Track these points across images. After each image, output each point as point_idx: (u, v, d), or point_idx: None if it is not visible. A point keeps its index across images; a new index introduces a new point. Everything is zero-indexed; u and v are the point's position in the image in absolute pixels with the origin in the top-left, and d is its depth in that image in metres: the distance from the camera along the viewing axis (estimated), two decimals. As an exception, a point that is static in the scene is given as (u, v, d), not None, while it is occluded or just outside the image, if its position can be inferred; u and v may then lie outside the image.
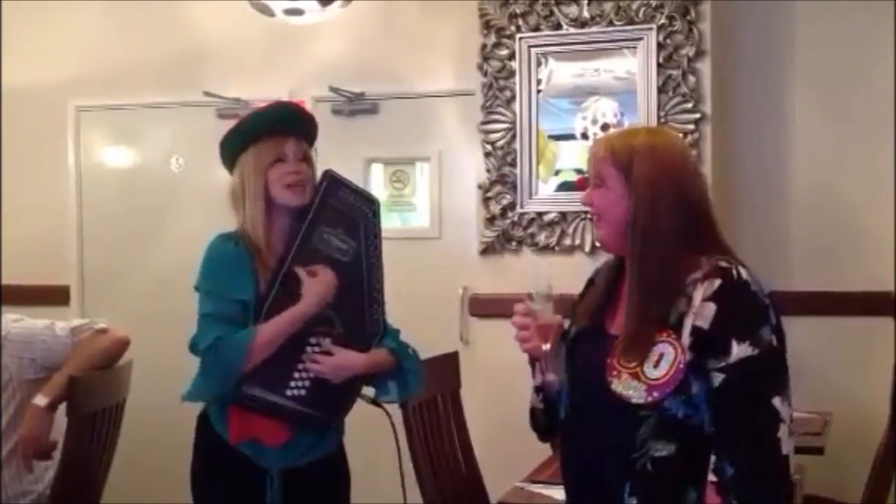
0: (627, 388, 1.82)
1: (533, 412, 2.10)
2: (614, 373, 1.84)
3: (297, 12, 3.82)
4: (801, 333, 3.63)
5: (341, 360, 2.39)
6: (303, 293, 2.35)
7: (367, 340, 2.44)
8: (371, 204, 2.50)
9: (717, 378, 1.77)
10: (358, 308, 2.44)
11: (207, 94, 4.42)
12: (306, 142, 2.48)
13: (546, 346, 1.96)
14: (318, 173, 2.49)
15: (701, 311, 1.79)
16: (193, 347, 2.38)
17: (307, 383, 2.37)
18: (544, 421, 2.08)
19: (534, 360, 2.04)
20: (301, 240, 2.39)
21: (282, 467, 2.39)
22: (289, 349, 2.36)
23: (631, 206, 1.85)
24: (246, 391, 2.34)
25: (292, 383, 2.36)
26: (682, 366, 1.79)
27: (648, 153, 1.87)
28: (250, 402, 2.35)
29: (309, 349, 2.38)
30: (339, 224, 2.43)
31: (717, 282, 1.80)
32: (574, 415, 1.96)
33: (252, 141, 2.42)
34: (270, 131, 2.42)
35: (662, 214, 1.84)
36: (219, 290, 2.36)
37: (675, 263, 1.83)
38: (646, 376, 1.81)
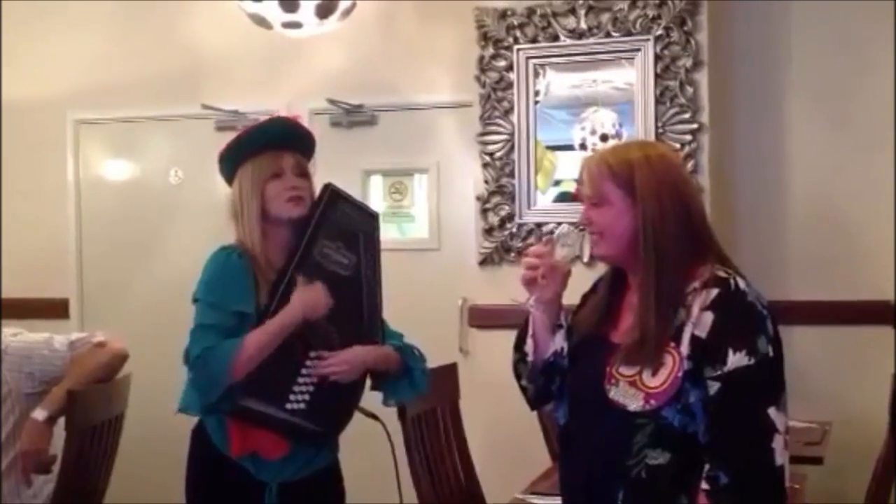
0: (625, 395, 1.83)
1: (517, 366, 2.09)
2: (612, 381, 1.86)
3: (296, 25, 3.83)
4: (799, 343, 3.64)
5: (348, 354, 2.38)
6: (291, 300, 2.34)
7: None
8: (371, 218, 2.51)
9: (713, 387, 1.78)
10: (357, 322, 2.44)
11: (206, 106, 4.43)
12: (304, 156, 2.49)
13: (542, 280, 1.96)
14: (316, 186, 2.50)
15: (699, 320, 1.80)
16: (186, 358, 2.37)
17: (307, 397, 2.37)
18: (531, 389, 2.07)
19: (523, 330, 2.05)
20: (302, 253, 2.39)
21: (279, 481, 2.39)
22: (288, 363, 2.36)
23: (638, 220, 1.86)
24: (245, 404, 2.33)
25: (292, 397, 2.36)
26: (679, 375, 1.80)
27: (647, 165, 1.88)
28: (249, 416, 2.34)
29: (309, 362, 2.38)
30: (339, 238, 2.44)
31: (715, 291, 1.81)
32: (572, 421, 1.97)
33: (250, 155, 2.43)
34: (268, 146, 2.43)
35: (669, 224, 1.85)
36: (218, 301, 2.35)
37: (683, 272, 1.84)
38: (644, 384, 1.82)
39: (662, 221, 1.85)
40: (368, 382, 2.51)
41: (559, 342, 2.00)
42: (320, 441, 2.43)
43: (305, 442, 2.40)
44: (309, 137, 2.54)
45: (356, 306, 2.45)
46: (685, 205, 1.88)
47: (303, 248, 2.39)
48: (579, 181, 1.97)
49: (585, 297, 2.08)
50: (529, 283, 1.98)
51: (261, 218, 2.40)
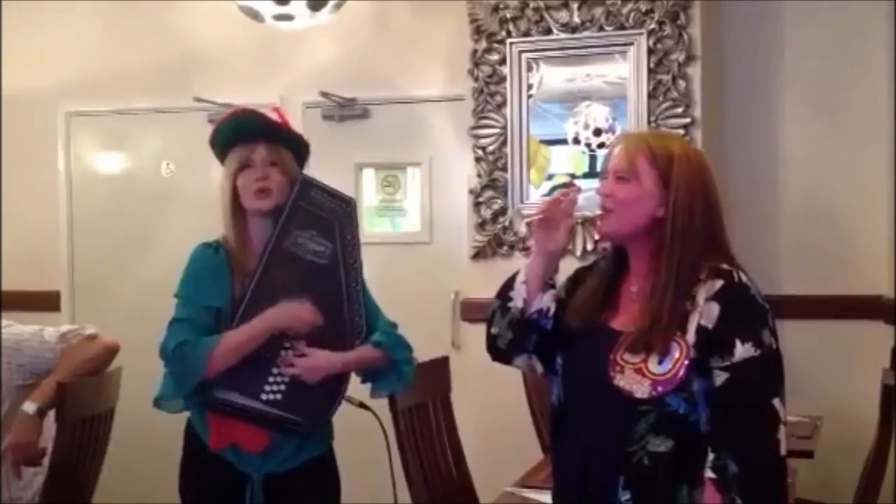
0: (631, 382, 1.85)
1: (494, 313, 2.05)
2: (617, 368, 1.87)
3: (288, 18, 3.81)
4: (790, 337, 3.63)
5: (314, 361, 2.37)
6: (276, 307, 2.35)
7: (348, 341, 2.42)
8: (346, 204, 2.47)
9: (721, 377, 1.81)
10: (337, 310, 2.42)
11: (198, 99, 4.42)
12: (288, 147, 2.47)
13: (560, 216, 1.96)
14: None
15: (705, 310, 1.83)
16: (162, 352, 2.38)
17: (283, 387, 2.37)
18: (507, 336, 2.02)
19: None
20: (274, 244, 2.40)
21: (264, 472, 2.38)
22: (263, 353, 2.36)
23: (668, 207, 1.90)
24: (221, 396, 2.34)
25: (267, 387, 2.36)
26: (686, 363, 1.82)
27: (686, 160, 1.94)
28: (226, 408, 2.35)
29: (283, 353, 2.37)
30: (312, 226, 2.42)
31: (720, 282, 1.85)
32: (569, 407, 1.98)
33: (228, 147, 2.44)
34: (241, 138, 2.42)
35: (696, 219, 1.90)
36: (192, 296, 2.39)
37: (697, 265, 1.88)
38: (650, 372, 1.84)
39: (691, 215, 1.90)
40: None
41: (547, 301, 2.00)
42: (303, 432, 2.40)
43: (288, 433, 2.39)
44: (276, 126, 2.48)
45: (336, 293, 2.43)
46: (712, 204, 1.94)
47: (274, 239, 2.40)
48: (609, 156, 1.98)
49: (581, 274, 2.07)
50: (538, 225, 1.97)
51: (237, 210, 2.41)
